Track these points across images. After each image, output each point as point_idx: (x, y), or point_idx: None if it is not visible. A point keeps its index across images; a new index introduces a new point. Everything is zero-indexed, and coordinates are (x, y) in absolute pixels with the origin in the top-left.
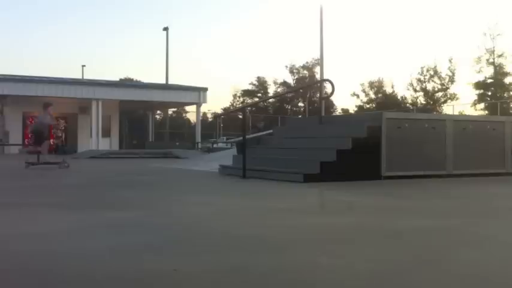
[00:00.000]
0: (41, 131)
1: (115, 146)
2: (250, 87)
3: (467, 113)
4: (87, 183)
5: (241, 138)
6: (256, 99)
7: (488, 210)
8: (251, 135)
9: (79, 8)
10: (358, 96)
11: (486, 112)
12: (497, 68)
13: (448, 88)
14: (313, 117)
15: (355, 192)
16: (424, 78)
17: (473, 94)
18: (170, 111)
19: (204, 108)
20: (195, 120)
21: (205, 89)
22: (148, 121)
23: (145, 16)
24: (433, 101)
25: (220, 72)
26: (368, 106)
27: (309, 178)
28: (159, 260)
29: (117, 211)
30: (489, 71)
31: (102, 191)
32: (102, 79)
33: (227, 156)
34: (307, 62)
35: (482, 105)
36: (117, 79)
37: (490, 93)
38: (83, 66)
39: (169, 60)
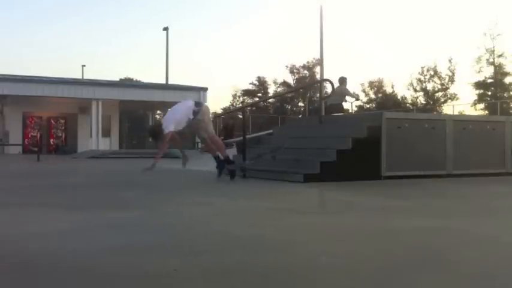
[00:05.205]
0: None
1: (115, 146)
2: (250, 87)
3: (467, 113)
4: (87, 183)
5: (241, 138)
6: (256, 99)
7: (488, 210)
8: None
9: (79, 8)
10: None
11: (486, 112)
12: (497, 68)
13: (448, 88)
14: (313, 117)
15: (355, 192)
16: (424, 78)
17: (473, 94)
18: None
19: None
20: None
21: (205, 89)
22: (148, 121)
23: (145, 16)
24: (433, 101)
25: (220, 72)
26: (368, 106)
27: (309, 178)
28: (159, 260)
29: (117, 211)
30: (489, 71)
31: (102, 191)
32: (102, 79)
33: None
34: (307, 62)
35: (482, 105)
36: (117, 79)
37: (490, 93)
38: (83, 66)
39: (170, 60)
